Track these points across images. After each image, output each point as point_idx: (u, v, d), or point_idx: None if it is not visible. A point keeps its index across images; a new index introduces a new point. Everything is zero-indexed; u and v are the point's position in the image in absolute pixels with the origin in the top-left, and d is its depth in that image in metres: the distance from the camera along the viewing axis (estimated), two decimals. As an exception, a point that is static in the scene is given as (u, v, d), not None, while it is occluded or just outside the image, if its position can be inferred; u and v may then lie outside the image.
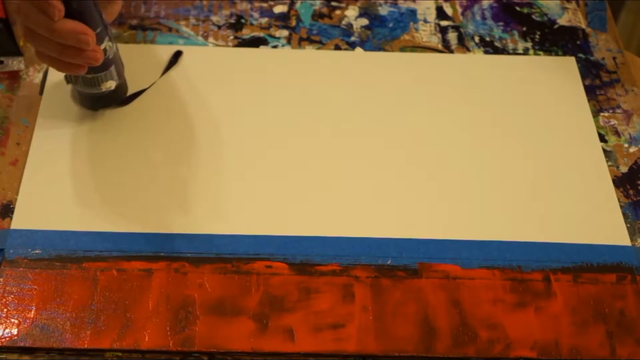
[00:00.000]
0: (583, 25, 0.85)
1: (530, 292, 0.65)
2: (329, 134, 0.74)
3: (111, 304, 0.62)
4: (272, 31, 0.82)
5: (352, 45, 0.82)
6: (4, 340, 0.60)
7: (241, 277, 0.65)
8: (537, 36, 0.84)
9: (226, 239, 0.66)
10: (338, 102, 0.76)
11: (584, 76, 0.80)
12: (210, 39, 0.81)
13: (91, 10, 0.64)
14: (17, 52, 0.77)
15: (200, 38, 0.81)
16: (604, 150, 0.74)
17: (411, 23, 0.84)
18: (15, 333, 0.61)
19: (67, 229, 0.66)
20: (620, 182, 0.72)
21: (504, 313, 0.64)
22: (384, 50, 0.82)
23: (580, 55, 0.82)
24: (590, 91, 0.79)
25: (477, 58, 0.81)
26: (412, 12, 0.85)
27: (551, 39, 0.84)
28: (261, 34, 0.82)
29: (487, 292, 0.65)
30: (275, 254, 0.66)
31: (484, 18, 0.85)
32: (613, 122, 0.77)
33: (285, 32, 0.82)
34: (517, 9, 0.86)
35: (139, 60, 0.77)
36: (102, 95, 0.71)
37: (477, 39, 0.83)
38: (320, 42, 0.82)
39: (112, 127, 0.73)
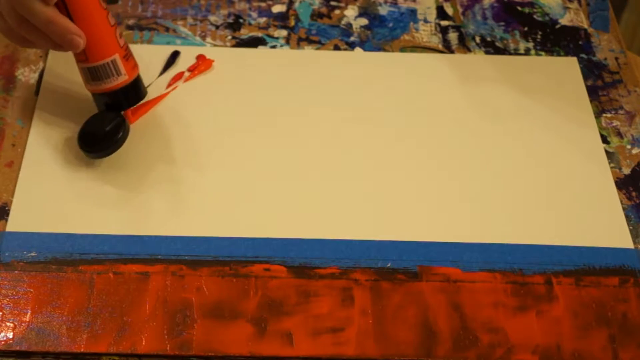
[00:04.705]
0: (585, 26, 0.85)
1: (531, 295, 0.64)
2: (328, 136, 0.73)
3: (108, 307, 0.62)
4: (271, 31, 0.82)
5: (351, 46, 0.81)
6: (-1, 344, 0.60)
7: (239, 280, 0.64)
8: (539, 36, 0.83)
9: (224, 241, 0.66)
10: (337, 103, 0.76)
11: (586, 77, 0.80)
12: (208, 39, 0.80)
13: None
14: None
15: (197, 38, 0.80)
16: (607, 152, 0.74)
17: (411, 23, 0.84)
18: (11, 337, 0.60)
19: (63, 232, 0.65)
20: (622, 184, 0.72)
21: (505, 317, 0.63)
22: (384, 50, 0.81)
23: (583, 55, 0.82)
24: (592, 92, 0.78)
25: (478, 58, 0.81)
26: (412, 12, 0.84)
27: (553, 39, 0.83)
28: (259, 34, 0.81)
29: (488, 296, 0.64)
30: (273, 257, 0.65)
31: (484, 18, 0.85)
32: (615, 123, 0.76)
33: (284, 32, 0.82)
34: (519, 8, 0.86)
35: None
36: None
37: (478, 39, 0.83)
38: (319, 42, 0.81)
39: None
